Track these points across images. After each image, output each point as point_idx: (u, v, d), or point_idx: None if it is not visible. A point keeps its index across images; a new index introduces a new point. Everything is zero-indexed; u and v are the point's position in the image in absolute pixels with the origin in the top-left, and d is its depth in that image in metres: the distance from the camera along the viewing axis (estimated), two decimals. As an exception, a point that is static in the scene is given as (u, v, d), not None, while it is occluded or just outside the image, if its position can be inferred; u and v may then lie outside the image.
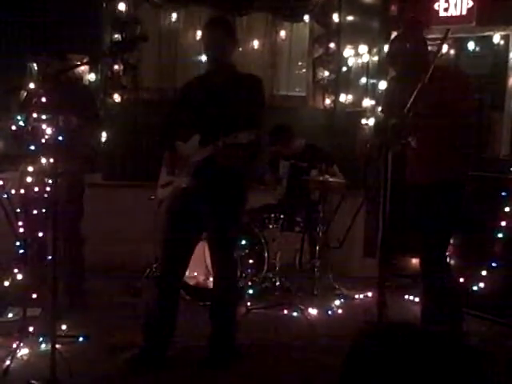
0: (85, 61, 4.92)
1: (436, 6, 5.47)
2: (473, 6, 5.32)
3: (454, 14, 5.43)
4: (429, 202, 3.68)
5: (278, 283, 4.90)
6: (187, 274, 4.73)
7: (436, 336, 1.12)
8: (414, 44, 3.66)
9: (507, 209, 4.47)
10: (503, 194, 4.48)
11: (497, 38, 5.37)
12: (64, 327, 3.85)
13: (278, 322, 4.35)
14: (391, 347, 1.09)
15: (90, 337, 3.87)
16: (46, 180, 3.91)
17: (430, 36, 5.49)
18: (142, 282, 4.95)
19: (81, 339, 3.83)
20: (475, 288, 4.47)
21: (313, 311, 4.55)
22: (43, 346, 3.64)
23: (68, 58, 4.60)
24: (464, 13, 5.39)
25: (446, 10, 5.49)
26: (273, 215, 4.86)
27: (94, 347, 3.79)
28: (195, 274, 4.76)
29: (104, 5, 5.81)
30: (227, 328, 3.72)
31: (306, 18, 6.13)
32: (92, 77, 5.80)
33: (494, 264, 4.46)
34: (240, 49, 6.00)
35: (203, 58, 5.99)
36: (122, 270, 5.13)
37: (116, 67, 5.86)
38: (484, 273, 4.48)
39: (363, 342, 1.15)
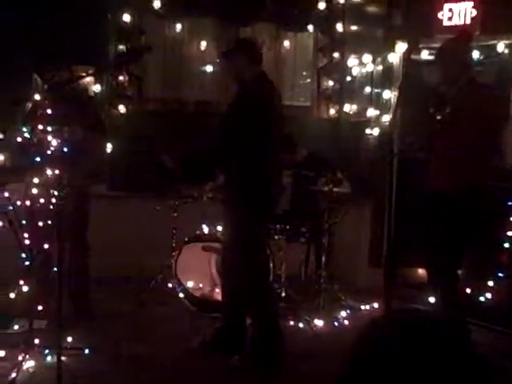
0: (90, 72, 4.93)
1: (440, 15, 5.47)
2: (477, 15, 5.32)
3: (457, 23, 5.43)
4: (452, 211, 3.67)
5: (283, 294, 4.87)
6: (192, 284, 4.75)
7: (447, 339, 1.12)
8: (463, 52, 3.79)
9: (514, 219, 4.45)
10: (510, 203, 4.47)
11: (501, 47, 5.37)
12: (70, 339, 3.83)
13: (284, 333, 4.32)
14: (398, 338, 1.09)
15: (95, 349, 3.86)
16: (51, 191, 3.91)
17: (433, 45, 5.54)
18: (147, 292, 4.94)
19: (87, 351, 3.82)
20: (482, 299, 4.45)
21: (319, 322, 4.53)
22: (49, 358, 3.64)
23: (73, 69, 4.61)
24: (468, 22, 5.39)
25: (449, 19, 5.49)
26: (278, 226, 4.84)
27: (100, 359, 3.78)
28: (200, 285, 4.75)
29: (109, 16, 5.82)
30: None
31: (310, 27, 6.15)
32: (97, 88, 5.81)
33: (500, 274, 4.44)
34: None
35: (208, 67, 6.05)
36: (127, 281, 5.11)
37: (121, 78, 5.87)
38: (491, 283, 4.46)
39: (371, 333, 1.15)
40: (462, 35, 4.05)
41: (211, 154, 3.91)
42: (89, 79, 5.63)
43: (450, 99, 3.69)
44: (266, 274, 4.17)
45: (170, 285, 4.86)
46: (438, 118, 3.65)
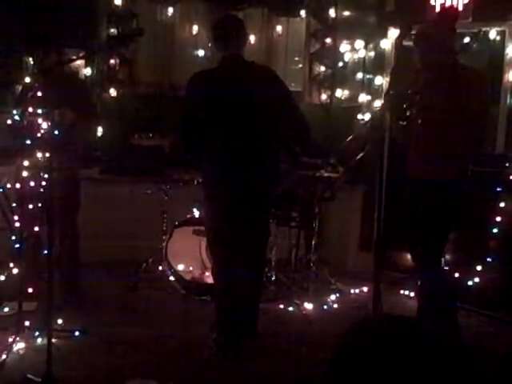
0: (81, 55, 4.90)
1: (433, 2, 5.46)
2: (469, 2, 5.32)
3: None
4: (433, 197, 3.69)
5: (273, 278, 4.90)
6: (183, 268, 4.77)
7: (426, 331, 1.13)
8: (445, 32, 3.74)
9: (502, 204, 4.49)
10: (498, 189, 4.50)
11: (493, 34, 5.38)
12: (60, 321, 3.85)
13: (274, 317, 4.36)
14: (380, 340, 1.09)
15: (86, 331, 3.87)
16: (41, 174, 3.91)
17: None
18: (139, 275, 4.96)
19: (77, 333, 3.83)
20: (471, 283, 4.49)
21: (308, 306, 4.56)
22: (39, 340, 3.65)
23: (64, 52, 4.58)
24: (460, 8, 5.39)
25: (442, 5, 5.48)
26: (269, 210, 4.86)
27: (91, 342, 3.79)
28: (191, 268, 4.77)
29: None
30: (254, 319, 3.79)
31: (303, 13, 6.12)
32: (88, 71, 5.78)
33: (489, 259, 4.48)
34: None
35: (200, 52, 6.03)
36: (119, 265, 5.13)
37: (112, 61, 5.85)
38: (479, 268, 4.50)
39: (354, 334, 1.16)
40: (442, 19, 4.03)
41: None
42: (80, 62, 5.60)
43: (432, 84, 3.68)
44: (219, 267, 3.79)
45: (160, 268, 4.88)
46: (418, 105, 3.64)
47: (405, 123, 3.63)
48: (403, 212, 4.00)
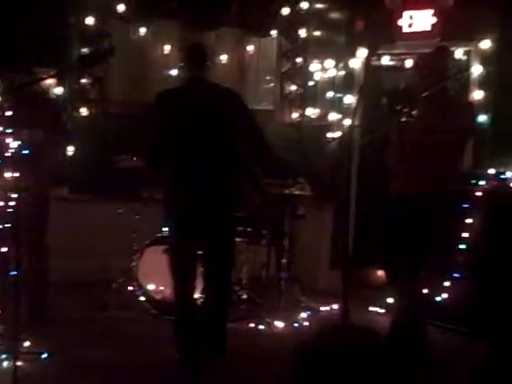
0: (51, 74, 4.89)
1: (400, 22, 5.57)
2: (437, 22, 5.44)
3: (418, 30, 5.54)
4: (414, 213, 3.74)
5: (244, 296, 4.91)
6: (153, 287, 4.75)
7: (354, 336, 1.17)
8: (441, 63, 3.90)
9: (469, 221, 4.56)
10: (465, 206, 4.58)
11: (459, 53, 5.50)
12: (27, 344, 3.80)
13: (245, 336, 4.36)
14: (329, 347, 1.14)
15: (53, 353, 3.83)
16: (9, 194, 3.87)
17: (394, 51, 5.65)
18: (108, 296, 4.93)
19: (44, 356, 3.79)
20: (439, 299, 4.54)
21: (279, 324, 4.57)
22: (6, 363, 3.59)
23: (34, 71, 4.57)
24: (428, 28, 5.51)
25: (410, 25, 5.60)
26: (240, 228, 4.87)
27: (58, 364, 3.75)
28: (161, 287, 4.75)
29: (72, 18, 5.80)
30: (222, 339, 3.75)
31: (274, 33, 6.21)
32: (59, 90, 5.77)
33: (456, 275, 4.54)
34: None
35: (172, 71, 6.06)
36: (88, 285, 5.09)
37: (84, 81, 5.85)
38: (447, 284, 4.55)
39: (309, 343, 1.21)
40: (442, 48, 4.17)
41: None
42: (51, 81, 5.59)
43: (420, 103, 3.77)
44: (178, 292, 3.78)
45: (130, 288, 4.86)
46: (405, 119, 3.73)
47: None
48: (379, 229, 4.05)
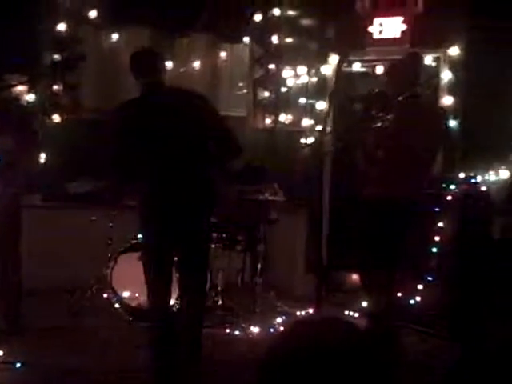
0: (22, 80, 4.85)
1: (370, 29, 5.65)
2: (407, 29, 5.52)
3: (388, 37, 5.62)
4: (388, 216, 3.79)
5: (220, 302, 4.91)
6: (128, 294, 4.73)
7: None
8: (413, 69, 4.01)
9: (440, 224, 4.64)
10: (436, 209, 4.65)
11: (428, 60, 5.59)
12: (1, 353, 3.75)
13: (220, 341, 4.36)
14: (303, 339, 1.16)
15: (27, 363, 3.78)
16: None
17: (365, 57, 5.72)
18: (83, 303, 4.89)
19: (18, 365, 3.74)
20: (412, 302, 4.60)
21: (254, 329, 4.58)
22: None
23: (4, 78, 4.53)
24: (398, 35, 5.59)
25: (380, 32, 5.68)
26: (215, 234, 4.88)
27: (32, 373, 3.71)
28: (137, 294, 4.73)
29: (43, 25, 5.75)
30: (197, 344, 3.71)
31: (246, 39, 6.23)
32: (31, 97, 5.71)
33: (429, 278, 4.61)
34: (181, 69, 6.08)
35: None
36: (62, 292, 5.04)
37: (56, 87, 5.81)
38: (420, 287, 4.62)
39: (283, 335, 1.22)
40: (414, 55, 4.25)
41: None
42: (22, 88, 5.53)
43: (394, 107, 3.86)
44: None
45: (105, 295, 4.83)
46: (380, 124, 3.79)
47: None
48: (353, 233, 4.10)
